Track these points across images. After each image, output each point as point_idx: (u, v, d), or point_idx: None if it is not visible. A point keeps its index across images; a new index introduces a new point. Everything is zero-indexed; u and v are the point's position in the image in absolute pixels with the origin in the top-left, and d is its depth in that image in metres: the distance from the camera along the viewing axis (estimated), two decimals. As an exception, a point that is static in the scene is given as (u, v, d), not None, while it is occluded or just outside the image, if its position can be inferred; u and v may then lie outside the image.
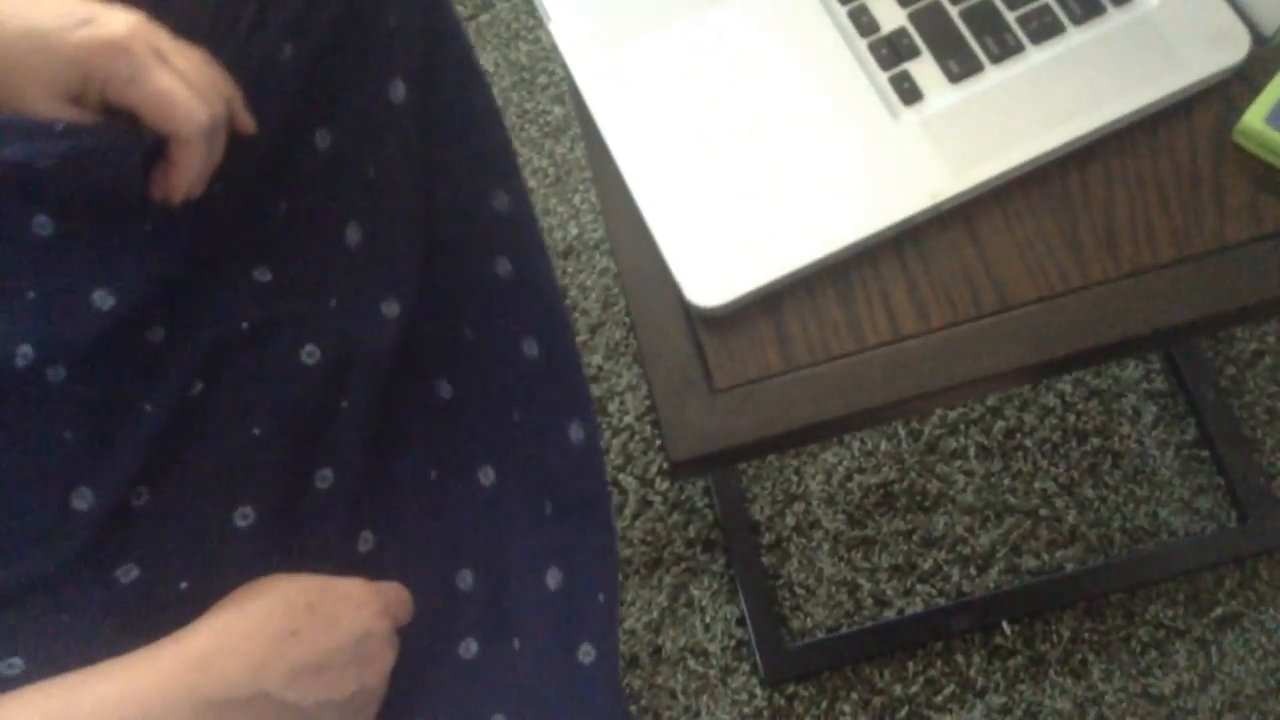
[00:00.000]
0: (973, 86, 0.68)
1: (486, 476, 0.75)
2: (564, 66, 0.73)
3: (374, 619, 0.65)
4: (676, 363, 0.66)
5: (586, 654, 0.72)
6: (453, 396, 0.75)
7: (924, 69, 0.69)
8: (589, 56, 0.72)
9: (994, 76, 0.69)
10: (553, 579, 0.73)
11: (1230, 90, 0.69)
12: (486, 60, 1.56)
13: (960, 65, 0.69)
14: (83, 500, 0.63)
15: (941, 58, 0.69)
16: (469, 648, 0.71)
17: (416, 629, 0.69)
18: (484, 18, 1.57)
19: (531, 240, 0.75)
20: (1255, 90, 0.68)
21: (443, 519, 0.73)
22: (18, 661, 0.60)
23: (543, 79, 1.53)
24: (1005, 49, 0.69)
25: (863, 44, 0.70)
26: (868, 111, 0.68)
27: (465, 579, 0.73)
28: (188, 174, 0.62)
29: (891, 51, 0.69)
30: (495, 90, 1.54)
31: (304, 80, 0.68)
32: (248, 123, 0.65)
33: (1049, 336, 0.65)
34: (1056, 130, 0.67)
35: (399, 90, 0.69)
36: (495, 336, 0.75)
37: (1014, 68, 0.69)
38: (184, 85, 0.60)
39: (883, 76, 0.69)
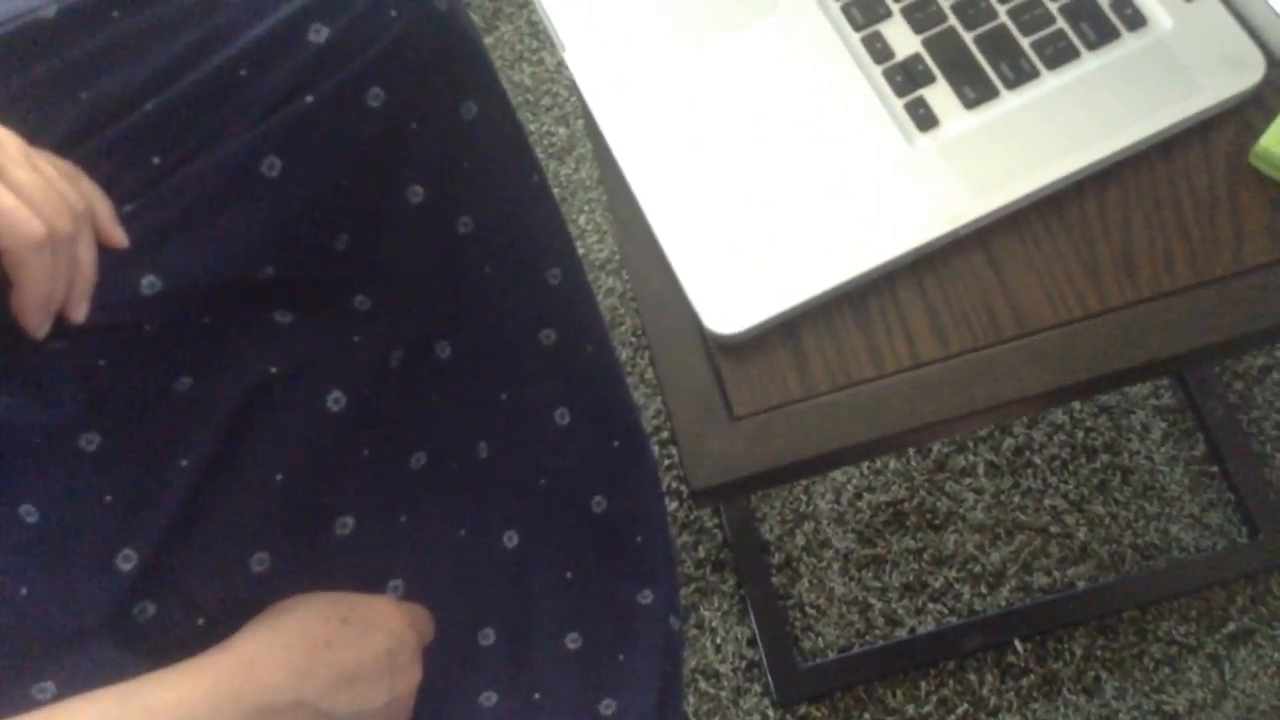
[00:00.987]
0: (988, 112, 0.69)
1: (511, 540, 0.75)
2: (573, 90, 0.73)
3: (403, 631, 0.66)
4: (695, 390, 0.66)
5: (608, 707, 0.73)
6: (488, 457, 0.75)
7: (939, 95, 0.69)
8: (603, 83, 0.72)
9: (1010, 102, 0.69)
10: (572, 642, 0.74)
11: (1246, 114, 0.69)
12: (490, 82, 1.56)
13: (976, 91, 0.69)
14: (128, 562, 0.63)
15: (957, 84, 0.69)
16: (489, 698, 0.71)
17: (438, 678, 0.70)
18: (488, 40, 1.58)
19: (581, 314, 0.76)
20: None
21: (468, 577, 0.74)
22: (49, 686, 0.60)
23: (547, 100, 1.53)
24: (1020, 75, 0.69)
25: (877, 70, 0.70)
26: (883, 138, 0.68)
27: (487, 636, 0.73)
28: (32, 295, 0.57)
29: (906, 78, 0.69)
30: (499, 111, 1.54)
31: (308, 195, 0.65)
32: (118, 238, 0.61)
33: (1068, 362, 0.65)
34: (1073, 156, 0.67)
35: (418, 194, 0.69)
36: (528, 403, 0.75)
37: (1029, 93, 0.69)
38: (14, 198, 0.55)
39: (898, 103, 0.69)
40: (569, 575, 0.76)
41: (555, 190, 1.48)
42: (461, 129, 0.69)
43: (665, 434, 1.36)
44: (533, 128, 1.53)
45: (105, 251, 0.61)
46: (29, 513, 0.61)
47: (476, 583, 0.74)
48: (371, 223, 0.69)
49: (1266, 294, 0.65)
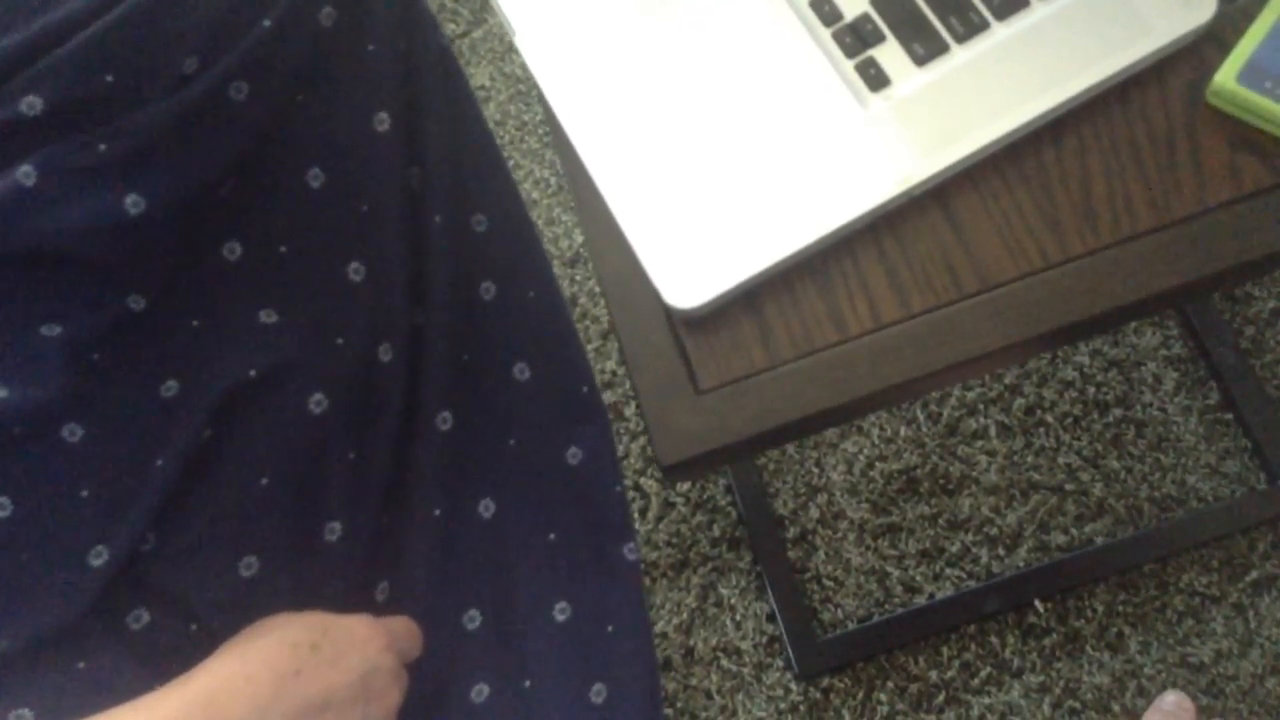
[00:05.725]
0: (940, 68, 0.68)
1: (487, 509, 0.74)
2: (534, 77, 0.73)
3: (379, 655, 0.65)
4: (660, 366, 0.66)
5: (599, 694, 0.72)
6: (452, 427, 0.74)
7: (889, 54, 0.69)
8: (555, 65, 0.72)
9: (960, 56, 0.68)
10: (561, 613, 0.74)
11: (1201, 51, 0.68)
12: (482, 75, 1.56)
13: (926, 48, 0.68)
14: (99, 558, 0.63)
15: (906, 41, 0.69)
16: (480, 692, 0.71)
17: (427, 675, 0.70)
18: (477, 33, 1.58)
19: (516, 260, 0.74)
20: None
21: (448, 559, 0.73)
22: (27, 713, 0.60)
23: (538, 90, 1.53)
24: (970, 28, 0.68)
25: (826, 33, 0.70)
26: (835, 101, 0.68)
27: (473, 619, 0.73)
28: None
29: (856, 39, 0.69)
30: (493, 104, 1.54)
31: (271, 116, 0.66)
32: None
33: (1032, 313, 0.64)
34: (1026, 105, 0.66)
35: (384, 120, 0.69)
36: (486, 361, 0.74)
37: (980, 46, 0.68)
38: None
39: (848, 65, 0.69)
40: (551, 537, 0.75)
41: (551, 179, 1.49)
42: (399, 61, 0.69)
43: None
44: (526, 118, 1.53)
45: (87, 171, 0.60)
46: (3, 506, 0.62)
47: (456, 563, 0.73)
48: (342, 153, 0.68)
49: (1229, 232, 0.64)
